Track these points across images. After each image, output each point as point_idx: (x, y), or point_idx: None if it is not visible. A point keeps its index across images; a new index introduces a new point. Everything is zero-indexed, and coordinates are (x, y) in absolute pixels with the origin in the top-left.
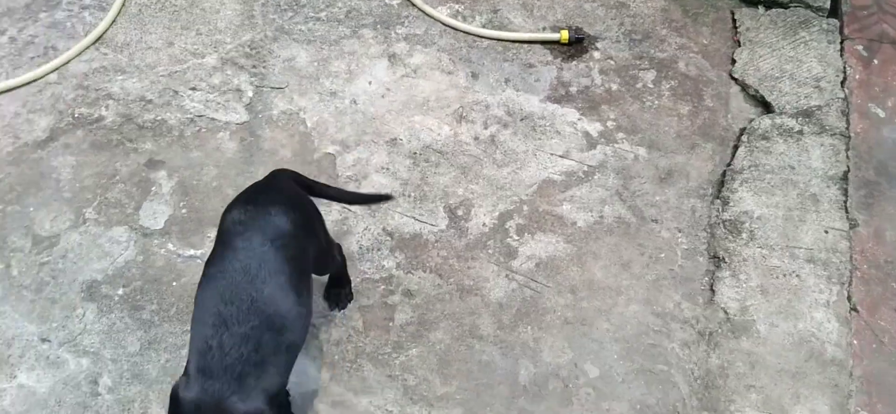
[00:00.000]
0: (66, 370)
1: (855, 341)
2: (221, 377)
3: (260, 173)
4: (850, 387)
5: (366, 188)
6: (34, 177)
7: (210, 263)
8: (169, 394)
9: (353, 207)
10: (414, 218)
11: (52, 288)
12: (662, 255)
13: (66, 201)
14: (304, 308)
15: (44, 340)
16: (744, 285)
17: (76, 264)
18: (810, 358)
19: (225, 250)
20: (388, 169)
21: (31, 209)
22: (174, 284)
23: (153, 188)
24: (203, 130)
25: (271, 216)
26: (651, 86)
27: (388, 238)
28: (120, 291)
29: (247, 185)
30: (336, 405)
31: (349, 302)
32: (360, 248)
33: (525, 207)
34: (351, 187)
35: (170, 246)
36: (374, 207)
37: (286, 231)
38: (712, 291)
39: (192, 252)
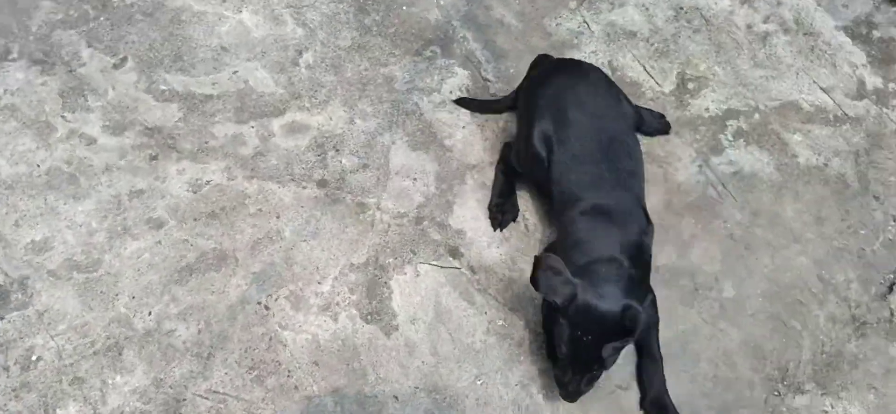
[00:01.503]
0: (282, 29)
1: None
2: None
3: None
4: None
5: (616, 15)
6: None
7: None
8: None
9: (593, 26)
10: (644, 67)
11: None
12: (863, 231)
13: None
14: None
15: None
16: None
17: None
18: None
19: None
20: (647, 8)
21: None
22: (404, 7)
23: None
24: None
25: None
26: None
27: (610, 71)
28: None
29: None
30: (482, 187)
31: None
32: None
33: (756, 116)
34: (603, 7)
35: None
36: (613, 35)
37: None
38: (891, 289)
39: None
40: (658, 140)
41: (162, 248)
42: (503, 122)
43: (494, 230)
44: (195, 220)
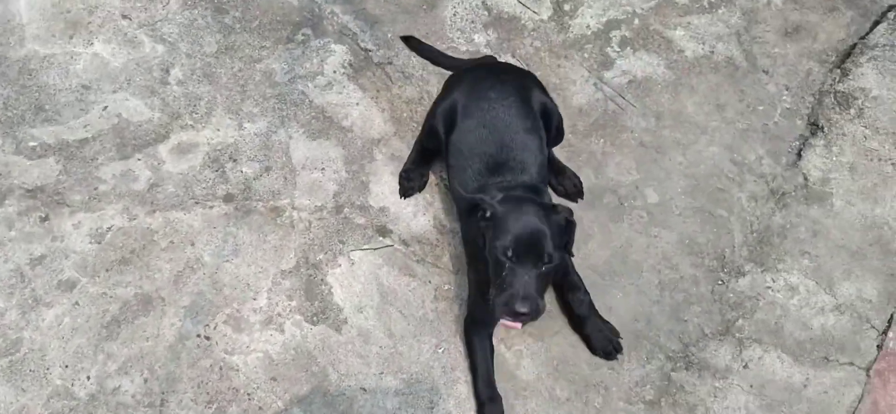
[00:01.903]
0: (141, 51)
1: None
2: None
3: None
4: None
5: None
6: None
7: None
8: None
9: None
10: (517, 0)
11: None
12: (761, 107)
13: None
14: None
15: (125, 17)
16: (834, 158)
17: None
18: (876, 243)
19: None
20: None
21: None
22: None
23: None
24: None
25: None
26: None
27: (485, 13)
28: None
29: None
30: (394, 159)
31: None
32: (455, 15)
33: (636, 21)
34: None
35: None
36: None
37: None
38: (799, 155)
39: None
40: (550, 67)
41: (81, 308)
42: (397, 89)
43: (401, 197)
44: (107, 270)
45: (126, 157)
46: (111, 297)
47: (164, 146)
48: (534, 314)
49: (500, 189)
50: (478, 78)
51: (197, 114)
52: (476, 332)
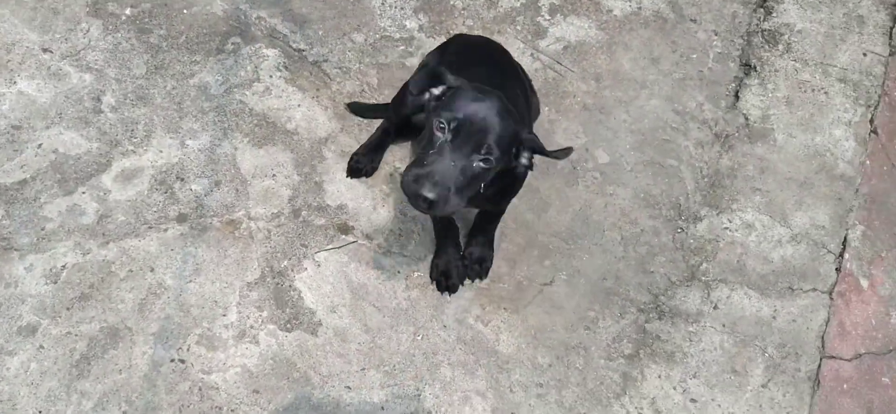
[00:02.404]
0: (68, 83)
1: (867, 162)
2: None
3: None
4: (853, 202)
5: None
6: None
7: None
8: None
9: None
10: None
11: None
12: (694, 55)
13: None
14: None
15: (45, 51)
16: (770, 95)
17: None
18: (821, 171)
19: None
20: None
21: None
22: (185, 11)
23: None
24: None
25: None
26: None
27: None
28: (127, 11)
29: None
30: (345, 155)
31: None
32: (383, 3)
33: None
34: None
35: None
36: None
37: None
38: (737, 96)
39: None
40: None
41: (46, 351)
42: (336, 86)
43: (347, 177)
44: (68, 309)
45: (69, 191)
46: (76, 335)
47: (107, 175)
48: (437, 206)
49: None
50: (457, 47)
51: (136, 138)
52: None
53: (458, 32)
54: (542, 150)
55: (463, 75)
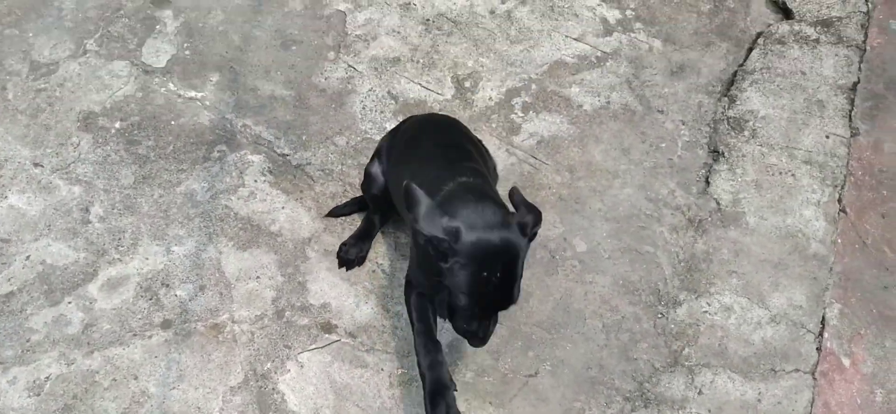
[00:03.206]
0: (57, 196)
1: (839, 240)
2: None
3: (268, 23)
4: (828, 281)
5: (374, 50)
6: (35, 2)
7: None
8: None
9: (359, 67)
10: (420, 84)
11: (47, 115)
12: (663, 144)
13: (68, 30)
14: None
15: (36, 165)
16: (739, 179)
17: (74, 94)
18: (794, 251)
19: None
20: (398, 32)
21: (31, 35)
22: (173, 123)
23: (158, 27)
24: None
25: None
26: None
27: (393, 101)
28: (117, 125)
29: (253, 33)
30: (328, 254)
31: None
32: (364, 108)
33: (533, 86)
34: (359, 47)
35: (171, 85)
36: (380, 68)
37: None
38: (707, 182)
39: (193, 94)
40: None
41: None
42: (319, 187)
43: (339, 267)
44: None
45: (56, 302)
46: None
47: (93, 285)
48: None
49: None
50: (409, 124)
51: (122, 247)
52: (415, 292)
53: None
54: (536, 223)
55: (420, 151)
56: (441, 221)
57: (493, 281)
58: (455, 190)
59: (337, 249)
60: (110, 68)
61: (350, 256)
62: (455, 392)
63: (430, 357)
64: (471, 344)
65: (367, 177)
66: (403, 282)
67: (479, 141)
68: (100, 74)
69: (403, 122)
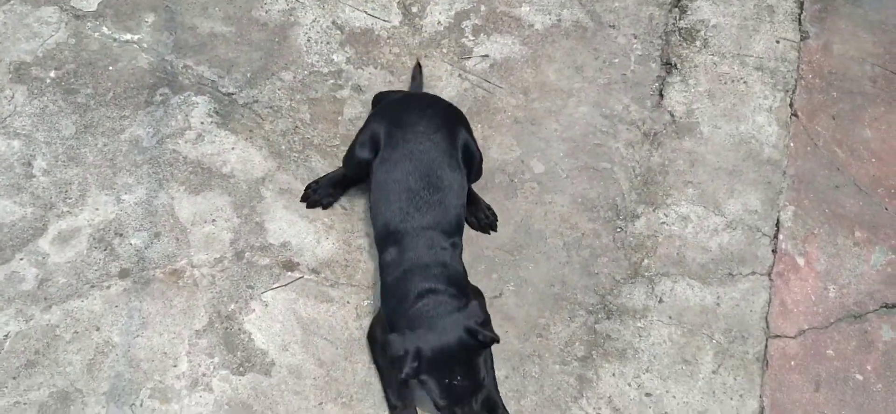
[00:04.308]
0: None
1: (791, 144)
2: None
3: None
4: (781, 184)
5: None
6: None
7: None
8: None
9: None
10: (366, 12)
11: None
12: (616, 60)
13: None
14: None
15: None
16: (692, 90)
17: (2, 44)
18: (748, 157)
19: None
20: None
21: None
22: (110, 68)
23: None
24: None
25: None
26: None
27: (338, 32)
28: (52, 74)
29: None
30: (283, 192)
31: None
32: (308, 40)
33: (483, 7)
34: None
35: (104, 29)
36: None
37: None
38: (661, 95)
39: (128, 36)
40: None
41: None
42: (269, 125)
43: (301, 202)
44: (14, 378)
45: (6, 260)
46: (25, 403)
47: (43, 239)
48: None
49: (424, 269)
50: (405, 108)
51: (70, 199)
52: (379, 342)
53: (381, 92)
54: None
55: (393, 171)
56: (406, 352)
57: (457, 381)
58: (418, 306)
59: (291, 187)
60: (38, 15)
61: (317, 197)
62: None
63: (401, 398)
64: None
65: (356, 162)
66: (365, 223)
67: (470, 142)
68: (27, 22)
69: (397, 103)
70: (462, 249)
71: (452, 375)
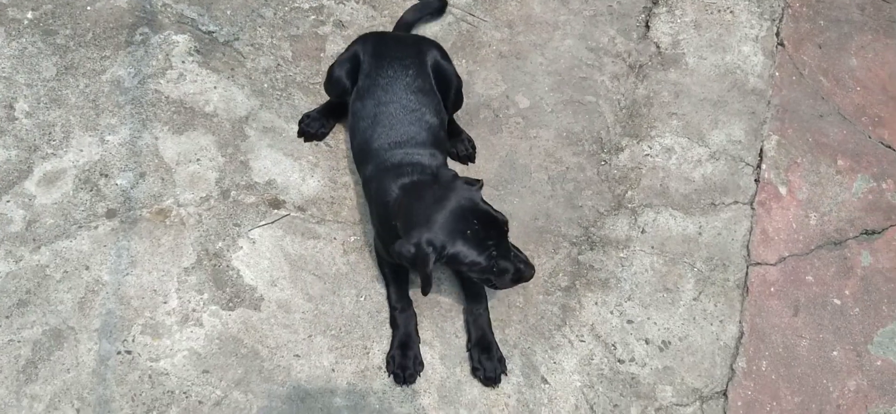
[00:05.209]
0: None
1: (777, 73)
2: None
3: None
4: (766, 114)
5: None
6: None
7: None
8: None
9: None
10: None
11: None
12: None
13: None
14: None
15: None
16: (678, 20)
17: None
18: (733, 88)
19: None
20: None
21: None
22: (89, 8)
23: None
24: None
25: None
26: None
27: None
28: (29, 15)
29: None
30: (267, 131)
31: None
32: None
33: None
34: None
35: None
36: None
37: None
38: (647, 27)
39: None
40: (398, 4)
41: None
42: (251, 63)
43: (298, 136)
44: (7, 317)
45: None
46: (19, 341)
47: (29, 181)
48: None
49: (399, 168)
50: (382, 41)
51: (54, 141)
52: (385, 261)
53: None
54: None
55: (380, 106)
56: (428, 251)
57: (478, 227)
58: (411, 197)
59: (275, 125)
60: None
61: (311, 130)
62: (419, 344)
63: (405, 314)
64: (526, 278)
65: (334, 81)
66: (350, 160)
67: (445, 65)
68: None
69: (375, 39)
70: (443, 163)
71: (469, 225)
